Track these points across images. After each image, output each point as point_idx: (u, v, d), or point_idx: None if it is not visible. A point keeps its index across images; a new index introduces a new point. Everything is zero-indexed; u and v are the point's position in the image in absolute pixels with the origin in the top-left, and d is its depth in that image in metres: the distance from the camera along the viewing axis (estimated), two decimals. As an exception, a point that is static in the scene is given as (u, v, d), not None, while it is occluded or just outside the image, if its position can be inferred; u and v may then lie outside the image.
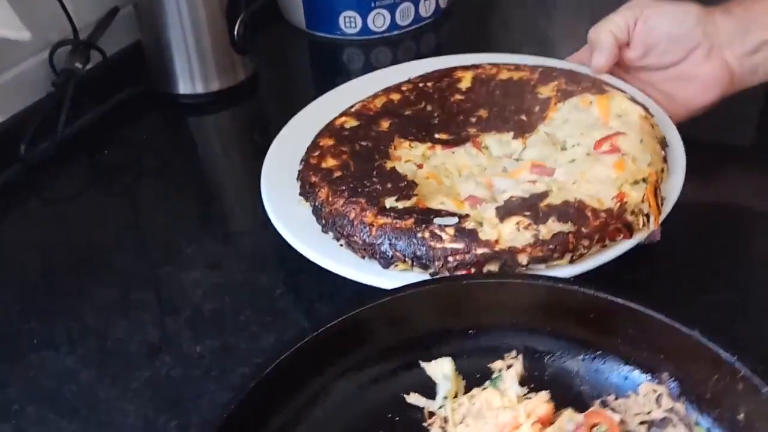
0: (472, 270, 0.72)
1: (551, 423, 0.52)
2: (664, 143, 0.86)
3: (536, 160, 0.84)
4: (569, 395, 0.55)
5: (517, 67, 1.00)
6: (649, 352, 0.55)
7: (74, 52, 0.96)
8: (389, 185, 0.80)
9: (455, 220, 0.74)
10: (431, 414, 0.57)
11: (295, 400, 0.56)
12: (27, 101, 0.94)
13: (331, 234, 0.79)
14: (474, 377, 0.59)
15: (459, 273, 0.72)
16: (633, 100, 0.89)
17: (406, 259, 0.74)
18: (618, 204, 0.75)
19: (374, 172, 0.82)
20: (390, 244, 0.74)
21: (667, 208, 0.79)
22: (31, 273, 0.80)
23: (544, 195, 0.76)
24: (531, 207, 0.74)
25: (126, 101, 1.04)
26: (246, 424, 0.52)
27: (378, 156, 0.88)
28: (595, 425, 0.52)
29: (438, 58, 1.08)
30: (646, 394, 0.53)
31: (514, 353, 0.59)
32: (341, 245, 0.78)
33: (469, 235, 0.73)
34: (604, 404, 0.55)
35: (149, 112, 1.04)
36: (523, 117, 0.92)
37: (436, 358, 0.59)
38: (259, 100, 1.09)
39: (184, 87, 1.06)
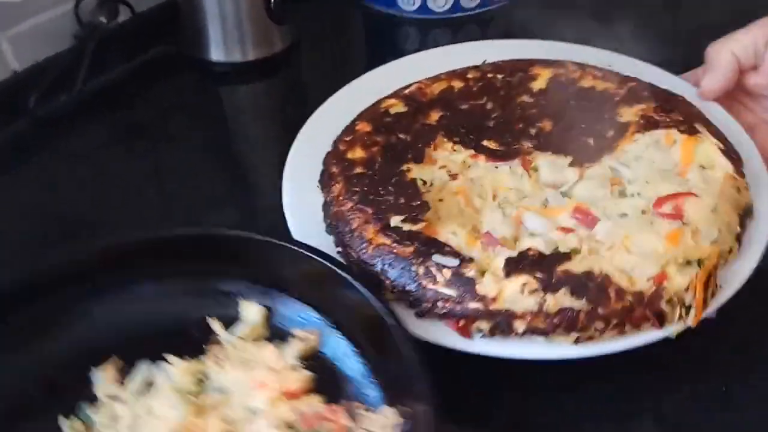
0: (461, 323, 0.63)
1: (296, 399, 0.56)
2: (747, 213, 0.71)
3: (583, 203, 0.71)
4: (332, 389, 0.58)
5: (605, 76, 0.86)
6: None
7: (101, 5, 0.91)
8: (402, 200, 0.71)
9: (456, 262, 0.64)
10: (217, 342, 0.61)
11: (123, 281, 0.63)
12: (47, 52, 0.89)
13: (332, 238, 0.72)
14: (278, 335, 0.62)
15: (446, 321, 0.64)
16: (725, 152, 0.74)
17: (395, 290, 0.66)
18: (654, 287, 0.62)
19: (393, 180, 0.73)
20: (382, 269, 0.67)
21: (721, 299, 0.65)
22: (27, 233, 0.74)
23: (568, 256, 0.64)
24: (546, 268, 0.63)
25: (153, 61, 0.98)
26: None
27: (411, 155, 0.78)
28: (324, 420, 0.55)
29: (528, 42, 0.94)
30: (388, 417, 0.55)
31: (317, 332, 0.62)
32: (338, 252, 0.71)
33: (466, 285, 0.63)
34: (350, 409, 0.56)
35: (177, 75, 0.98)
36: (591, 141, 0.79)
37: (257, 303, 0.63)
38: (296, 73, 1.01)
39: (216, 53, 0.99)
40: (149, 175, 0.87)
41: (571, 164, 0.77)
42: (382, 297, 0.65)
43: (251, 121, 0.96)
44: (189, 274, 0.64)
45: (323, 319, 0.63)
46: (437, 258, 0.65)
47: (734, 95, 0.84)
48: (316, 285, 0.63)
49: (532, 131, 0.81)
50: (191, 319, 0.62)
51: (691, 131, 0.76)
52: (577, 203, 0.72)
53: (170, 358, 0.59)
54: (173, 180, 0.87)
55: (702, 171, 0.73)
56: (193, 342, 0.61)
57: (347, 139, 0.81)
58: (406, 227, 0.68)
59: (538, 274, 0.63)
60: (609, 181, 0.75)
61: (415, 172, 0.75)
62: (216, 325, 0.63)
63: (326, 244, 0.72)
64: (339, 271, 0.62)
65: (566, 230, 0.69)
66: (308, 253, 0.64)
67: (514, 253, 0.65)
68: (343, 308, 0.62)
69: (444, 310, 0.63)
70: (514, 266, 0.63)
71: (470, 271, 0.64)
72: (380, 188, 0.73)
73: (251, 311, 0.64)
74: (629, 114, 0.81)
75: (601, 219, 0.69)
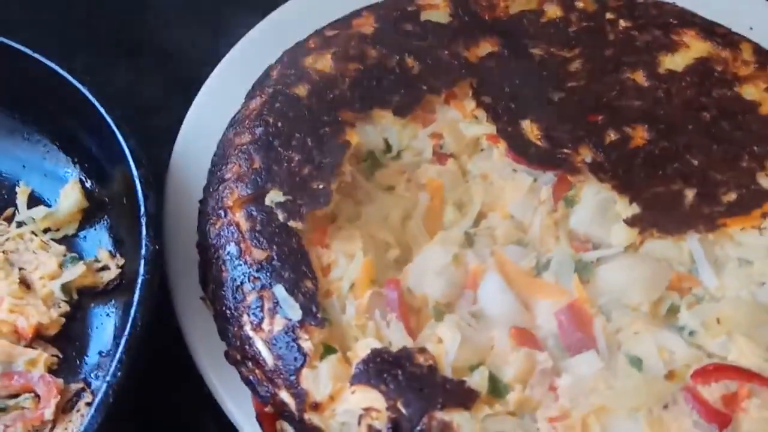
0: (267, 408, 0.38)
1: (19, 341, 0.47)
2: None
3: (589, 301, 0.41)
4: (70, 351, 0.47)
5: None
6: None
7: None
8: (307, 169, 0.44)
9: (298, 315, 0.38)
10: (8, 216, 0.53)
11: None
12: None
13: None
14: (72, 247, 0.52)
15: (250, 388, 0.39)
16: None
17: (215, 303, 0.41)
18: None
19: (322, 130, 0.45)
20: (217, 261, 0.42)
21: None
22: None
23: (471, 397, 0.36)
24: (421, 403, 0.35)
25: None
26: None
27: (399, 99, 0.50)
28: (27, 391, 0.45)
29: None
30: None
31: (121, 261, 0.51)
32: (200, 201, 0.47)
33: (291, 360, 0.38)
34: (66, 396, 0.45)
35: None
36: (690, 194, 0.47)
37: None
38: None
39: None
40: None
41: (632, 220, 0.45)
42: (204, 295, 0.42)
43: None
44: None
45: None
46: (279, 292, 0.39)
47: None
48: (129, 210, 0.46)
49: (611, 136, 0.49)
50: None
51: None
52: (584, 296, 0.41)
53: None
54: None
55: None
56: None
57: (329, 33, 0.53)
58: (281, 215, 0.42)
59: (401, 407, 0.35)
60: (670, 278, 0.42)
61: (350, 136, 0.46)
62: (22, 198, 0.52)
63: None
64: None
65: (524, 338, 0.39)
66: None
67: (396, 346, 0.37)
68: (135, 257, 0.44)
69: (249, 377, 0.39)
70: (375, 370, 0.36)
71: (307, 341, 0.37)
72: (298, 132, 0.45)
73: (71, 197, 0.51)
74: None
75: (597, 348, 0.39)
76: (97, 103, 0.48)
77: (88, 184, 0.51)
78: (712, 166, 0.48)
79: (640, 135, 0.51)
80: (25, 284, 0.48)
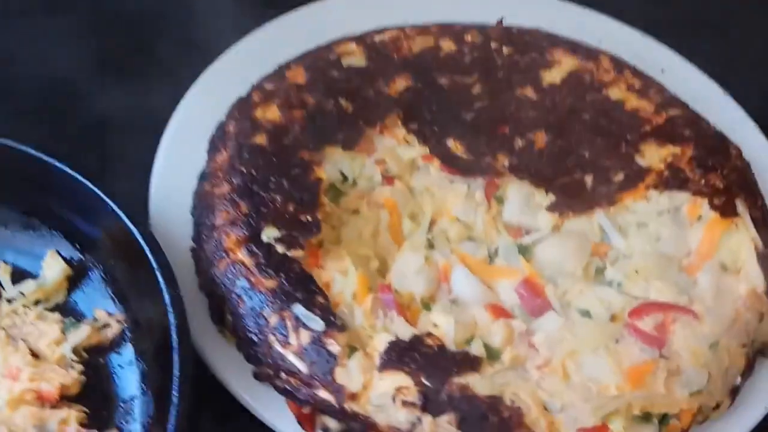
0: (305, 410, 0.45)
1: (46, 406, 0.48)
2: (763, 351, 0.50)
3: (539, 273, 0.51)
4: (97, 403, 0.49)
5: (644, 89, 0.63)
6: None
7: None
8: (291, 206, 0.50)
9: (320, 325, 0.45)
10: None
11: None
12: None
13: (192, 226, 0.53)
14: (71, 311, 0.54)
15: (288, 399, 0.45)
16: (764, 257, 0.52)
17: (235, 331, 0.47)
18: (582, 444, 0.43)
19: (293, 171, 0.52)
20: (229, 297, 0.48)
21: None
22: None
23: (475, 363, 0.44)
24: (440, 374, 0.44)
25: None
26: None
27: (343, 135, 0.57)
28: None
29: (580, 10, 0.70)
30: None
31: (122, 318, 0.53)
32: (191, 249, 0.52)
33: (324, 363, 0.45)
34: None
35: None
36: (589, 180, 0.57)
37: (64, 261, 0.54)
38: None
39: None
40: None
41: (551, 207, 0.55)
42: (220, 328, 0.47)
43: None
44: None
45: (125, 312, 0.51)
46: (298, 310, 0.46)
47: None
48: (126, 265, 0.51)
49: (519, 142, 0.60)
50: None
51: (727, 210, 0.54)
52: (532, 272, 0.51)
53: None
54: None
55: (720, 275, 0.51)
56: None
57: (268, 87, 0.60)
58: (280, 248, 0.48)
59: (425, 380, 0.43)
60: (590, 247, 0.53)
61: (317, 173, 0.53)
62: (5, 276, 0.53)
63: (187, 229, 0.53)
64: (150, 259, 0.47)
65: (497, 312, 0.49)
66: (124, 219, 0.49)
67: (406, 336, 0.45)
68: (146, 306, 0.49)
69: (286, 386, 0.45)
70: (396, 357, 0.44)
71: (334, 345, 0.44)
72: (273, 176, 0.52)
73: (54, 268, 0.53)
74: (654, 156, 0.59)
75: (554, 308, 0.49)
76: (78, 175, 0.51)
77: (67, 251, 0.53)
78: (600, 155, 0.59)
79: (540, 138, 0.61)
80: (34, 354, 0.49)
